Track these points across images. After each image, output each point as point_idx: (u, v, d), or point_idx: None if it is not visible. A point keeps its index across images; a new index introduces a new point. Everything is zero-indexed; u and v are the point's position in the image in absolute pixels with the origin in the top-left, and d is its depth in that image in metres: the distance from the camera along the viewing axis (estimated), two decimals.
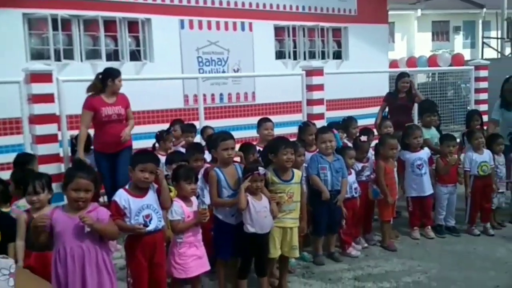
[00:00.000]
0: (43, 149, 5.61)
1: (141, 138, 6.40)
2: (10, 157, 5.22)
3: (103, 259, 3.20)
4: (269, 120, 5.56)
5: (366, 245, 5.35)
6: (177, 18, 8.20)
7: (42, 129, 5.67)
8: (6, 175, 4.78)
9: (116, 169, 5.47)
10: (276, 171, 4.26)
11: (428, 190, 5.61)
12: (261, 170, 3.95)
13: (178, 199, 3.76)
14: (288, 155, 4.20)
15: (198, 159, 4.55)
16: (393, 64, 14.67)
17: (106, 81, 5.53)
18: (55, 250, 3.15)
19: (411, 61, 14.83)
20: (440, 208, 5.73)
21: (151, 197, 3.58)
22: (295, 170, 4.36)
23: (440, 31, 31.10)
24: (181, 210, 3.71)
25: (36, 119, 5.67)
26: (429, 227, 5.70)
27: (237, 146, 5.37)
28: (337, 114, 8.17)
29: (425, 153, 5.67)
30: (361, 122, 6.70)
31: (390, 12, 11.71)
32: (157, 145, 5.73)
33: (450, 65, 13.86)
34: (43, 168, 5.08)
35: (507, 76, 6.73)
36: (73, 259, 3.10)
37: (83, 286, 3.11)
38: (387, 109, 7.46)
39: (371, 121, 7.75)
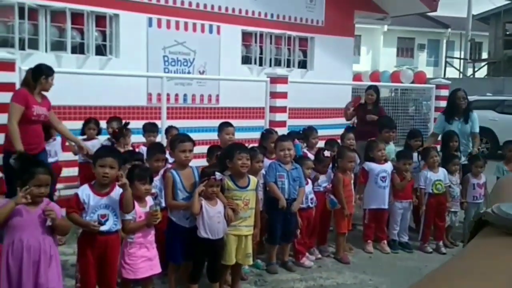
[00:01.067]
0: (1, 138, 5.42)
1: (104, 133, 6.26)
2: None
3: (55, 252, 3.26)
4: (230, 124, 5.53)
5: (319, 256, 5.36)
6: (146, 16, 8.12)
7: (1, 118, 5.49)
8: None
9: None
10: (232, 177, 4.25)
11: (387, 203, 5.70)
12: (218, 175, 3.93)
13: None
14: (243, 160, 4.19)
15: (159, 159, 4.47)
16: (357, 77, 14.95)
17: (39, 78, 5.10)
18: (7, 242, 3.13)
19: (375, 75, 15.15)
20: (394, 223, 5.80)
21: (112, 198, 3.53)
22: (251, 177, 4.36)
23: (405, 48, 31.93)
24: (133, 209, 3.65)
25: None
26: (385, 241, 5.76)
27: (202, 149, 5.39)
28: (299, 123, 8.28)
29: (389, 166, 5.74)
30: (322, 132, 6.80)
31: (357, 25, 11.96)
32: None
33: (412, 82, 14.26)
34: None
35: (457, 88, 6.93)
36: (29, 252, 3.11)
37: (35, 278, 3.12)
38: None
39: (332, 132, 7.90)
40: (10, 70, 5.60)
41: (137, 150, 5.65)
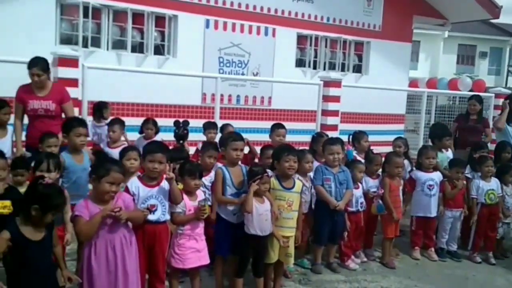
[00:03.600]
0: None
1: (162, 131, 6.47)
2: None
3: (132, 240, 3.38)
4: (282, 126, 5.60)
5: (365, 259, 5.36)
6: (203, 17, 8.39)
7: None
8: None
9: None
10: (278, 178, 4.32)
11: (434, 212, 5.62)
12: (270, 172, 4.04)
13: (183, 193, 3.83)
14: (290, 163, 4.25)
15: (211, 155, 4.55)
16: (413, 83, 14.60)
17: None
18: (88, 243, 3.24)
19: (432, 82, 14.72)
20: (443, 231, 5.72)
21: (161, 189, 3.68)
22: (297, 180, 4.41)
23: (466, 55, 30.94)
24: (183, 203, 3.79)
25: None
26: (432, 249, 5.70)
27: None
28: (351, 127, 8.21)
29: (437, 175, 5.67)
30: (374, 138, 6.71)
31: (416, 31, 11.74)
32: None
33: (471, 90, 13.80)
34: None
35: None
36: (113, 250, 3.22)
37: (124, 275, 3.25)
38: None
39: (385, 138, 7.79)
40: (74, 67, 5.93)
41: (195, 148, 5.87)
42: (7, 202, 3.39)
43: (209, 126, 6.10)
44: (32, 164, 3.84)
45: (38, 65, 4.88)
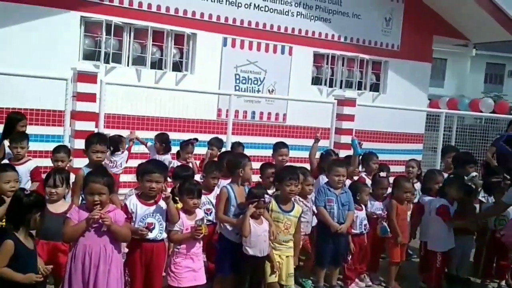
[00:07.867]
0: (80, 143, 5.67)
1: (174, 144, 6.59)
2: (50, 146, 5.45)
3: (116, 258, 3.41)
4: (284, 145, 5.63)
5: (370, 283, 5.29)
6: (221, 36, 8.56)
7: (81, 125, 6.04)
8: (46, 162, 5.17)
9: None
10: (277, 199, 4.34)
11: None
12: (267, 198, 4.05)
13: (181, 212, 3.87)
14: (291, 187, 4.29)
15: (215, 176, 4.66)
16: (434, 102, 14.47)
17: None
18: (73, 245, 3.37)
19: (453, 102, 14.54)
20: (454, 256, 5.55)
21: (159, 208, 3.72)
22: (296, 205, 4.43)
23: (494, 74, 30.42)
24: (181, 221, 3.81)
25: (77, 115, 6.06)
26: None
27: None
28: (366, 146, 8.20)
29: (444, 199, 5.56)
30: (391, 157, 6.61)
31: (442, 49, 11.58)
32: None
33: (493, 112, 13.64)
34: (78, 162, 5.26)
35: None
36: (90, 256, 3.30)
37: (94, 283, 3.30)
38: None
39: (402, 157, 7.74)
40: (92, 82, 6.14)
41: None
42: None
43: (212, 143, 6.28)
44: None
45: None
